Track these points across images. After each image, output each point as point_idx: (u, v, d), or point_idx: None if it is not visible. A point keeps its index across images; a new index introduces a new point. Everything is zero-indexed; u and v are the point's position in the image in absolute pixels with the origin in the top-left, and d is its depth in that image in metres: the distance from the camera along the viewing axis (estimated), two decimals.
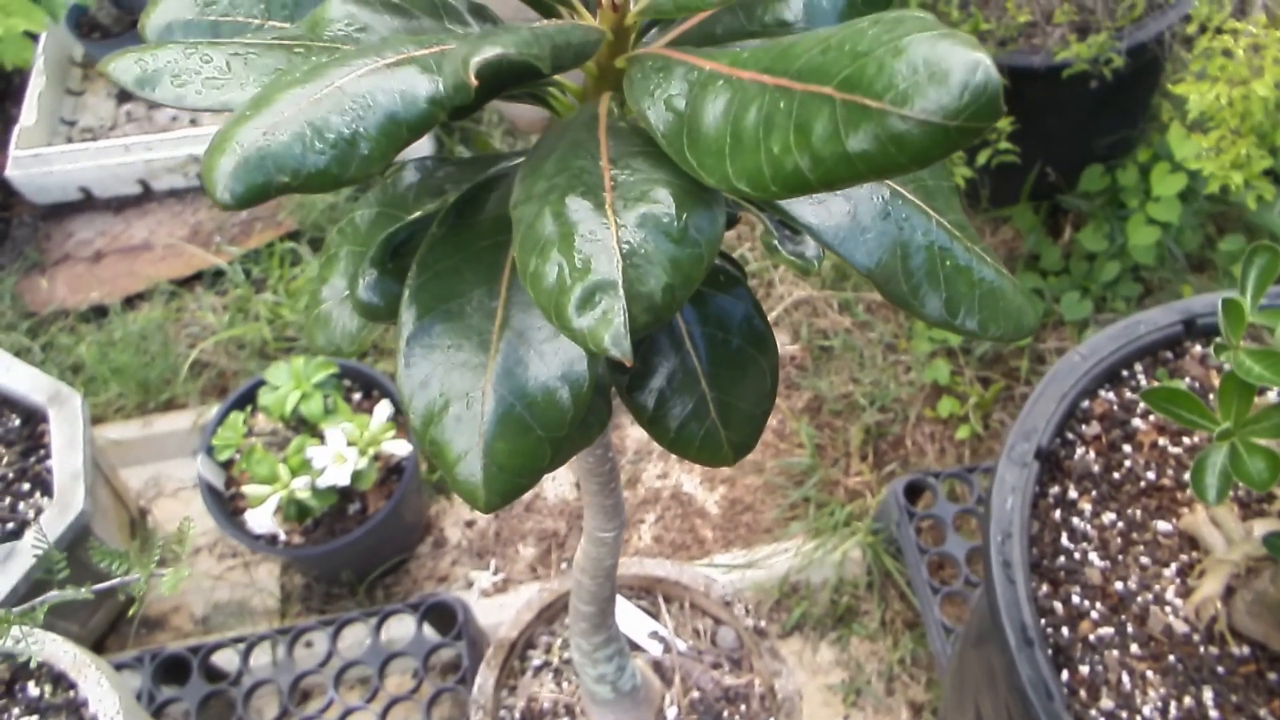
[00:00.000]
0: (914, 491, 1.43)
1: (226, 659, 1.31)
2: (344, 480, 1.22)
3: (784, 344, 1.72)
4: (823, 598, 1.46)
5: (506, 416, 0.31)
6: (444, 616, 1.30)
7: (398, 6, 0.33)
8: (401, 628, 1.31)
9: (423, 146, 1.74)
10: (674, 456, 1.66)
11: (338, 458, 1.22)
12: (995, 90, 0.22)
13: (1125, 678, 0.77)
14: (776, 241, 0.34)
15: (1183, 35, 1.42)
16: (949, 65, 0.22)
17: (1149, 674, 0.76)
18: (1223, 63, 1.10)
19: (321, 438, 1.27)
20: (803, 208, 0.32)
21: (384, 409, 1.31)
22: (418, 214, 0.34)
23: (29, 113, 1.92)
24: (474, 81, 0.24)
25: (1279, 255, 0.58)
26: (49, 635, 0.91)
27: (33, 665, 0.83)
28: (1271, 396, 0.87)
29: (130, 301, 1.81)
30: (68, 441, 1.34)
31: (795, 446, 1.62)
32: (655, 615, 1.22)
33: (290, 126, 0.26)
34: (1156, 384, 0.92)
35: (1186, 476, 0.87)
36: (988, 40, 1.45)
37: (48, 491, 1.33)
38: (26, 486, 1.35)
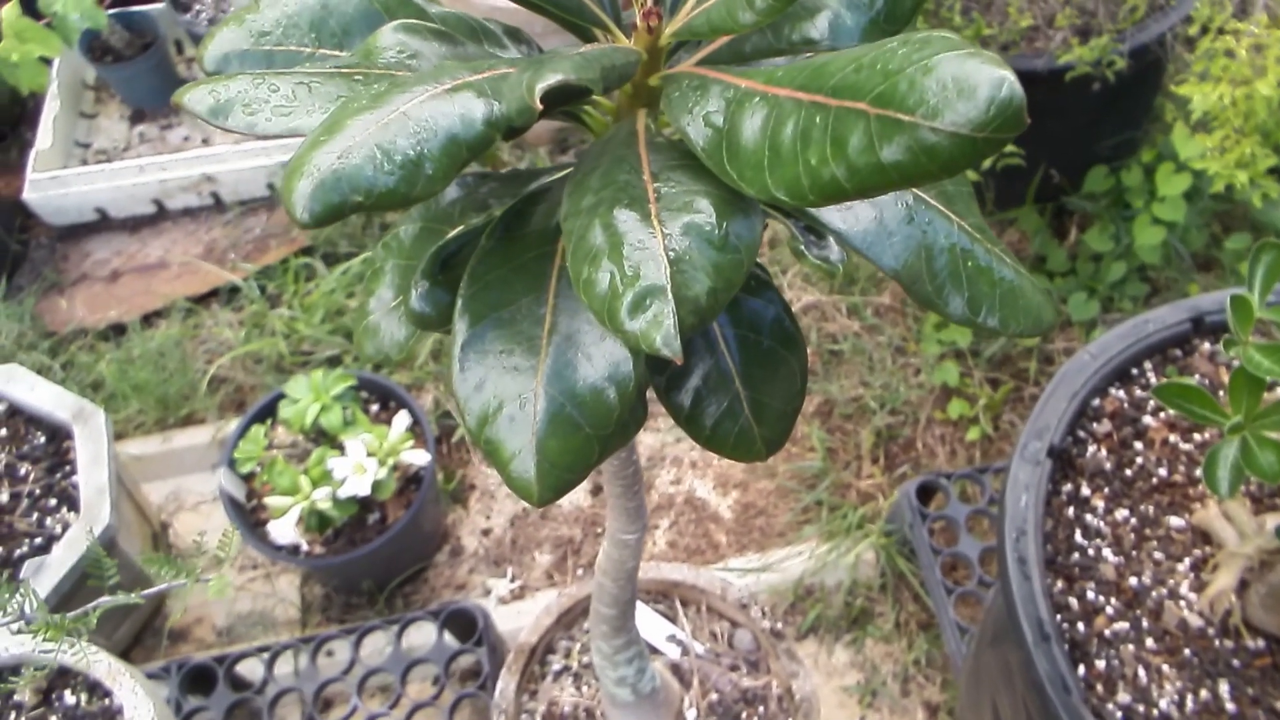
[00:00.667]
0: (926, 493, 1.45)
1: (251, 668, 1.32)
2: (364, 490, 1.24)
3: None
4: (837, 600, 1.47)
5: (557, 416, 0.33)
6: (464, 623, 1.31)
7: (443, 33, 0.35)
8: (422, 635, 1.33)
9: None
10: (686, 462, 1.67)
11: (358, 468, 1.24)
12: (1020, 104, 0.24)
13: (1141, 672, 0.78)
14: (803, 246, 0.36)
15: (1184, 36, 1.44)
16: (976, 81, 0.24)
17: (1165, 668, 0.78)
18: (1225, 63, 1.12)
19: (341, 449, 1.28)
20: (831, 214, 0.34)
21: (402, 419, 1.33)
22: (464, 228, 0.36)
23: (44, 136, 1.95)
24: (539, 105, 0.26)
25: None
26: (83, 644, 0.93)
27: (84, 671, 0.85)
28: None
29: (148, 319, 1.83)
30: (92, 457, 1.36)
31: (807, 450, 1.64)
32: (673, 619, 1.24)
33: (361, 150, 0.27)
34: (1167, 380, 0.94)
35: (1198, 472, 0.89)
36: (990, 45, 1.47)
37: (74, 507, 1.35)
38: (53, 502, 1.38)
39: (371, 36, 0.34)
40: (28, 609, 0.57)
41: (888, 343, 1.71)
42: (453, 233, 0.37)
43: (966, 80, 0.24)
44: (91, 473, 1.34)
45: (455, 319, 0.34)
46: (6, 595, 0.56)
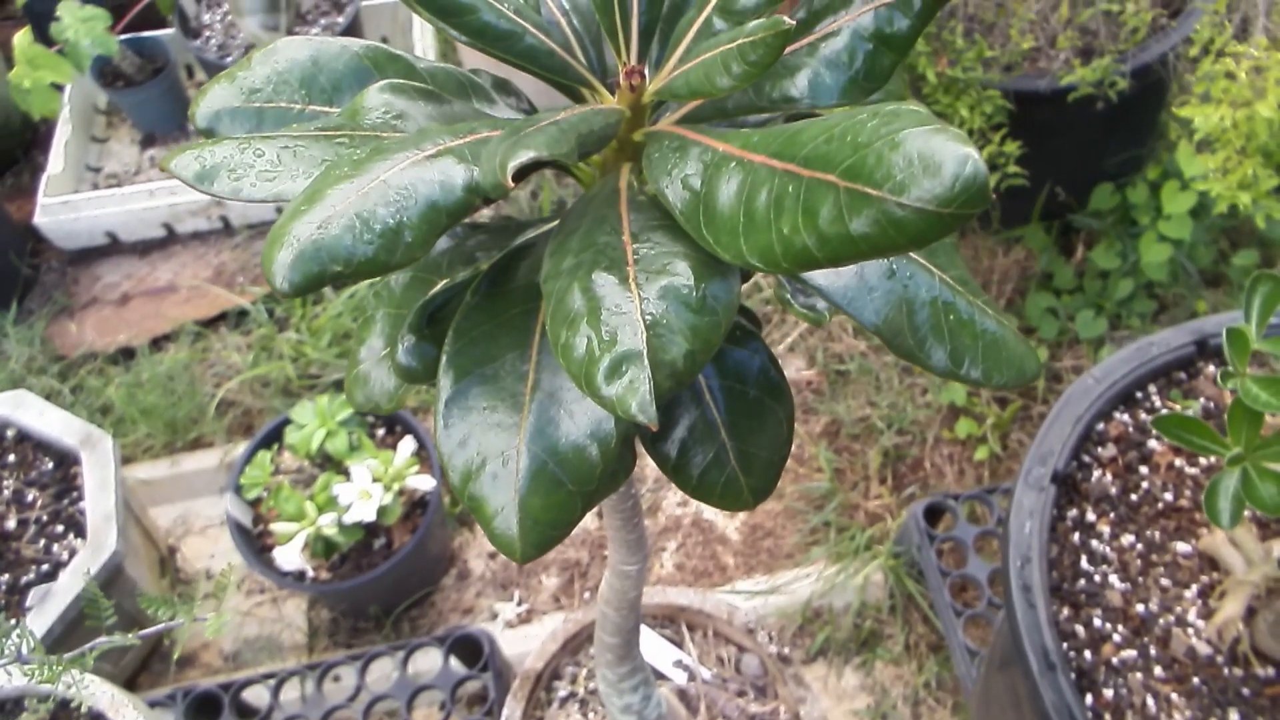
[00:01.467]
0: (934, 514, 1.44)
1: (257, 695, 1.32)
2: (370, 516, 1.24)
3: (800, 369, 1.73)
4: (846, 622, 1.47)
5: (540, 473, 0.33)
6: (470, 649, 1.31)
7: (429, 92, 0.35)
8: (428, 661, 1.33)
9: None
10: None
11: (363, 494, 1.24)
12: (983, 181, 0.24)
13: (1150, 701, 0.77)
14: (789, 295, 0.36)
15: (1187, 56, 1.44)
16: (941, 159, 0.24)
17: (1173, 696, 0.77)
18: (1226, 85, 1.12)
19: (347, 474, 1.29)
20: (818, 277, 0.34)
21: (407, 445, 1.33)
22: (449, 282, 0.36)
23: (56, 161, 1.97)
24: (511, 184, 0.27)
25: None
26: (87, 675, 0.94)
27: (80, 709, 0.85)
28: None
29: (157, 343, 1.84)
30: (100, 484, 1.37)
31: (814, 471, 1.63)
32: (679, 644, 1.23)
33: (340, 220, 0.28)
34: (1173, 406, 0.93)
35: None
36: (992, 66, 1.47)
37: (81, 533, 1.36)
38: (60, 528, 1.38)
39: (357, 97, 0.34)
40: (24, 650, 0.58)
41: (894, 362, 1.70)
42: (439, 286, 0.37)
43: (932, 157, 0.24)
44: (99, 499, 1.35)
45: (440, 375, 0.34)
46: (3, 634, 0.57)
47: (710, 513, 1.63)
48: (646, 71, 0.37)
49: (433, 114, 0.35)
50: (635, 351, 0.28)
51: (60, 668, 0.57)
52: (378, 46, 0.41)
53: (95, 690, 0.92)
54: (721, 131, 0.31)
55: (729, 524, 1.61)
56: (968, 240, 1.86)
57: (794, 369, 1.74)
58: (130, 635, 0.62)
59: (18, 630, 0.58)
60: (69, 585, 1.25)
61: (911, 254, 0.36)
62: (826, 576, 1.49)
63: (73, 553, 1.34)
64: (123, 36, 1.94)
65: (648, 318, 0.28)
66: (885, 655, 1.43)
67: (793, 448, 1.75)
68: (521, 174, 0.27)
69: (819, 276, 0.35)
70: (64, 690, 0.81)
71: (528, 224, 0.39)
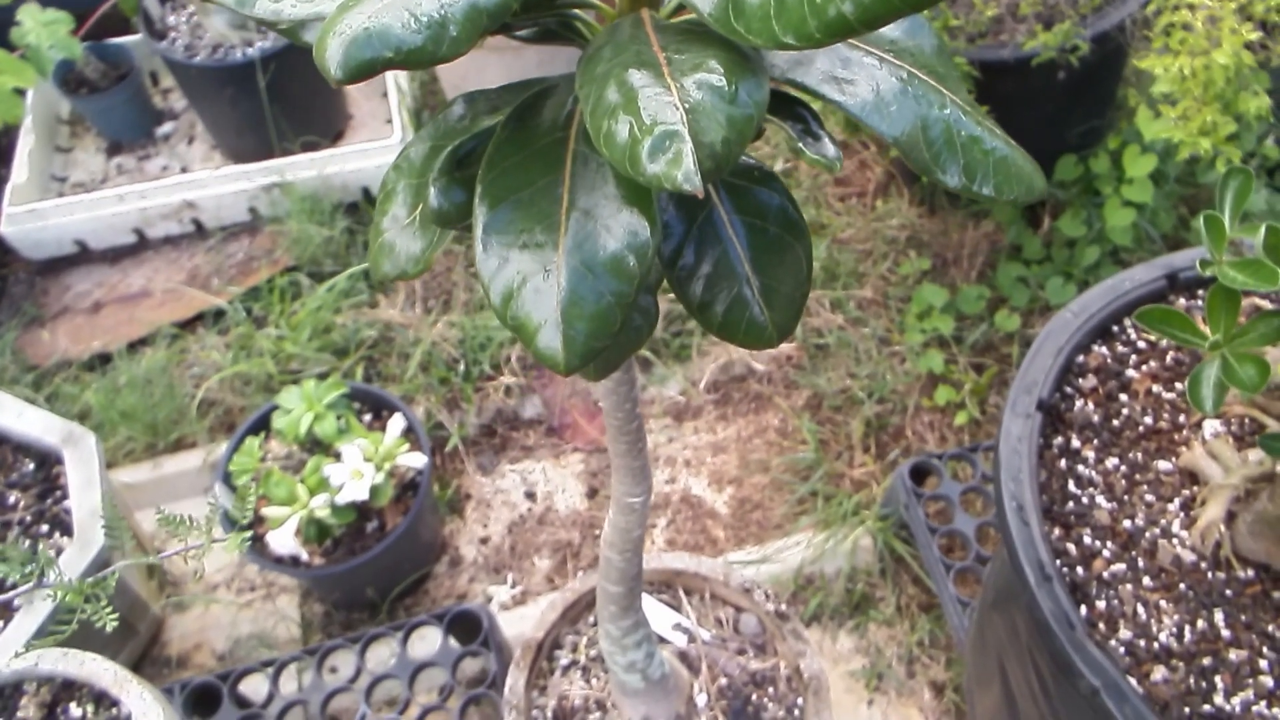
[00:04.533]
0: (919, 474, 1.46)
1: (255, 686, 1.31)
2: (362, 495, 1.24)
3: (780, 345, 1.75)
4: (838, 587, 1.48)
5: (580, 284, 0.34)
6: (469, 626, 1.31)
7: None
8: (427, 641, 1.32)
9: None
10: (680, 461, 1.68)
11: (355, 473, 1.24)
12: None
13: (1140, 609, 0.79)
14: (801, 145, 0.37)
15: (1144, 20, 1.49)
16: None
17: (1162, 603, 0.79)
18: (1183, 35, 1.16)
19: (337, 457, 1.29)
20: (833, 92, 0.36)
21: (397, 423, 1.33)
22: (478, 129, 0.38)
23: (20, 170, 1.95)
24: None
25: (1252, 176, 0.62)
26: (88, 655, 0.93)
27: (89, 681, 0.84)
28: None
29: (133, 347, 1.83)
30: (84, 481, 1.36)
31: (799, 443, 1.65)
32: (677, 608, 1.24)
33: (390, 11, 0.29)
34: (1148, 337, 0.96)
35: (1182, 418, 0.91)
36: (958, 36, 1.51)
37: (67, 531, 1.34)
38: (45, 528, 1.36)
39: None
40: (51, 577, 0.58)
41: (872, 334, 1.73)
42: (467, 135, 0.38)
43: None
44: (84, 496, 1.34)
45: (475, 205, 0.36)
46: (23, 562, 0.56)
47: (698, 488, 1.64)
48: None
49: None
50: (677, 130, 0.29)
51: (83, 590, 0.56)
52: None
53: (96, 669, 0.91)
54: None
55: (718, 498, 1.62)
56: (938, 216, 1.90)
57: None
58: (151, 556, 0.62)
59: (39, 559, 0.58)
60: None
61: (923, 77, 0.38)
62: (816, 544, 1.51)
63: (59, 551, 1.33)
64: (86, 43, 1.93)
65: (686, 103, 0.30)
66: (878, 617, 1.45)
67: (776, 421, 1.76)
68: None
69: (839, 95, 0.36)
70: (69, 666, 0.81)
71: (546, 78, 0.41)
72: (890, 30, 0.39)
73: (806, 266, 0.41)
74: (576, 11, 0.39)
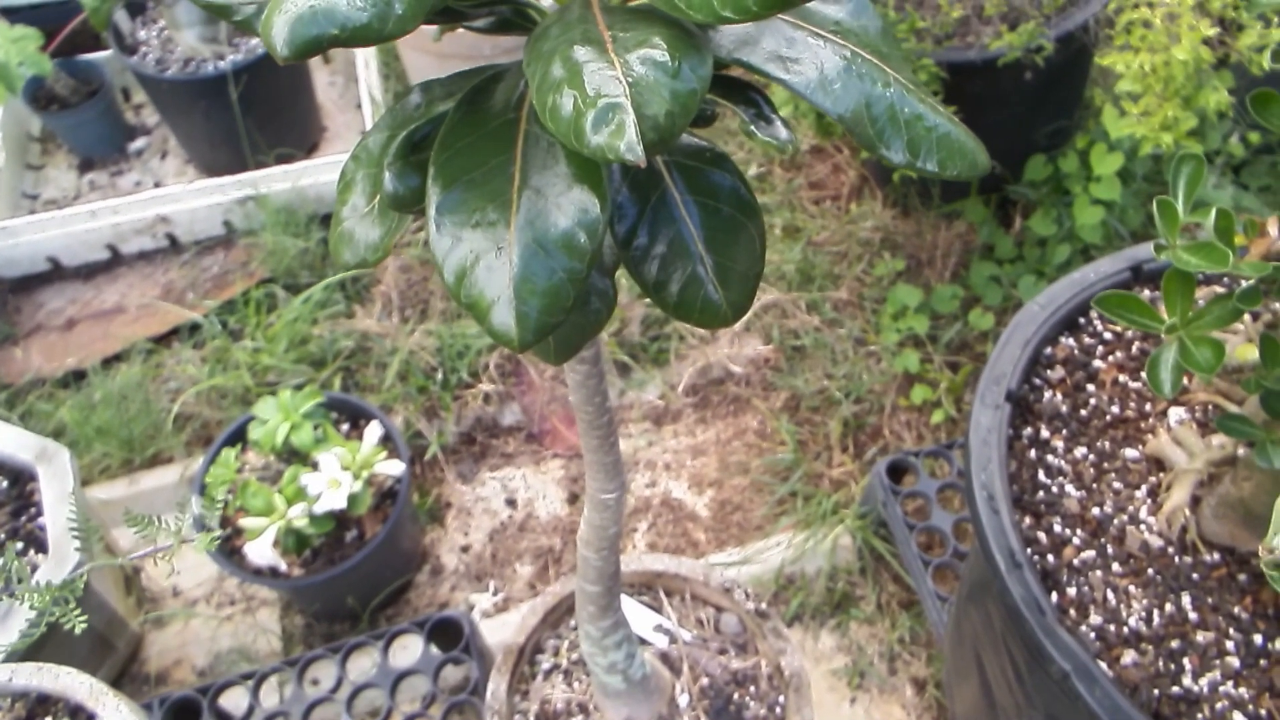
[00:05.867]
0: (896, 472, 1.47)
1: (236, 699, 1.30)
2: (340, 504, 1.24)
3: (757, 346, 1.76)
4: (818, 586, 1.49)
5: (532, 260, 0.35)
6: (450, 634, 1.31)
7: None
8: (409, 650, 1.32)
9: None
10: (660, 465, 1.69)
11: (332, 482, 1.24)
12: None
13: (1110, 594, 0.80)
14: (753, 128, 0.38)
15: (1107, 19, 1.51)
16: None
17: (1131, 588, 0.80)
18: (1143, 33, 1.18)
19: (315, 467, 1.28)
20: (779, 71, 0.37)
21: (374, 431, 1.33)
22: (433, 115, 0.38)
23: None
24: None
25: (1204, 161, 0.63)
26: (63, 669, 0.92)
27: (64, 695, 0.83)
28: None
29: (108, 363, 1.82)
30: (58, 497, 1.35)
31: (778, 444, 1.66)
32: (658, 609, 1.24)
33: None
34: (1114, 327, 0.98)
35: (1148, 407, 0.92)
36: (925, 37, 1.53)
37: (42, 548, 1.33)
38: (20, 546, 1.35)
39: None
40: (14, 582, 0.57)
41: (848, 335, 1.74)
42: (420, 121, 0.39)
43: None
44: (58, 512, 1.33)
45: (429, 186, 0.36)
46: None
47: (679, 491, 1.64)
48: None
49: None
50: (619, 102, 0.30)
51: (51, 593, 0.56)
52: None
53: (72, 682, 0.90)
54: None
55: (697, 501, 1.63)
56: (912, 217, 1.92)
57: (751, 347, 1.77)
58: (122, 558, 0.61)
59: (6, 560, 0.58)
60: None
61: (866, 55, 0.39)
62: (796, 544, 1.51)
63: (34, 568, 1.31)
64: (56, 59, 1.92)
65: (629, 77, 0.31)
66: (859, 615, 1.46)
67: (755, 423, 1.76)
68: None
69: (784, 74, 0.37)
70: (44, 680, 0.80)
71: (498, 64, 0.41)
72: (835, 11, 0.40)
73: (760, 245, 0.42)
74: None
